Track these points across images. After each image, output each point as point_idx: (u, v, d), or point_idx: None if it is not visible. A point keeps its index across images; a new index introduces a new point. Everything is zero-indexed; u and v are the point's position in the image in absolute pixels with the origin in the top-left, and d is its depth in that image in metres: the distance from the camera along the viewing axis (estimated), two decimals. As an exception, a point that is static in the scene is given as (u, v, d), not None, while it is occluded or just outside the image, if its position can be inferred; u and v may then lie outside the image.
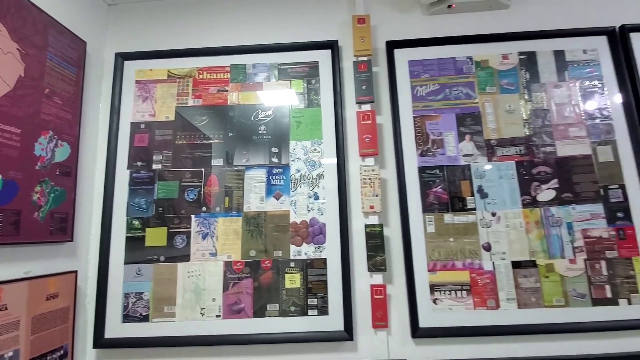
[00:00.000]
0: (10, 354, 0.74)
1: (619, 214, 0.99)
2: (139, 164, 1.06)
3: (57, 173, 0.89)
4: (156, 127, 1.08)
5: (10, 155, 0.76)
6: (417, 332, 0.94)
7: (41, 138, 0.84)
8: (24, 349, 0.76)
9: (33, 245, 0.83)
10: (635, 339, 0.94)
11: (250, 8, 1.17)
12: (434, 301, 0.96)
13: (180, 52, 1.12)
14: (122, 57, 1.12)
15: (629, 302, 0.95)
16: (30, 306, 0.78)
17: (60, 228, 0.89)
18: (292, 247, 1.00)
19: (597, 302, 0.95)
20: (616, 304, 0.95)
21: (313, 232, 1.00)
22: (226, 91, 1.10)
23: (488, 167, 1.03)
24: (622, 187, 1.01)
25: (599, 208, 1.00)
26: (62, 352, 0.87)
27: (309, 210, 1.01)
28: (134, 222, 1.02)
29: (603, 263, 0.97)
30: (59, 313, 0.87)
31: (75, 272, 0.93)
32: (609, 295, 0.95)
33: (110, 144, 1.05)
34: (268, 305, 0.97)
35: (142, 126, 1.08)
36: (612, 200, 1.00)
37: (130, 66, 1.12)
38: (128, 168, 1.05)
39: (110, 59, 1.12)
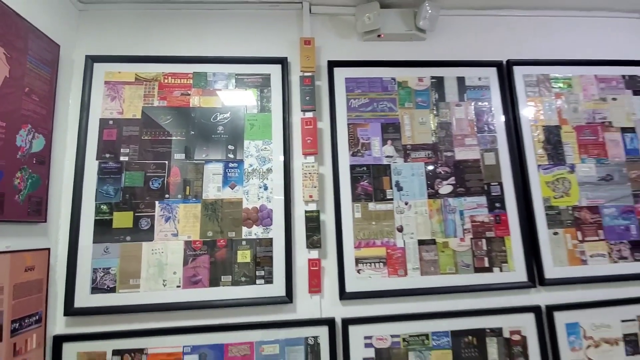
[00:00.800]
0: (-5, 314, 0.86)
1: (497, 204, 1.31)
2: (107, 155, 1.19)
3: (34, 162, 1.01)
4: (124, 124, 1.22)
5: (-5, 145, 0.88)
6: (344, 295, 1.18)
7: (21, 131, 0.97)
8: (6, 311, 0.89)
9: (13, 223, 0.95)
10: (505, 297, 1.25)
11: (214, 23, 1.35)
12: (358, 271, 1.21)
13: (147, 58, 1.27)
14: (92, 60, 1.24)
15: (501, 270, 1.27)
16: (12, 275, 0.91)
17: (36, 210, 1.02)
18: (244, 229, 1.20)
19: (478, 270, 1.26)
20: (491, 271, 1.26)
21: (262, 217, 1.21)
22: (189, 95, 1.27)
23: (404, 166, 1.30)
24: (500, 184, 1.33)
25: (483, 200, 1.31)
26: (37, 317, 1.00)
27: (259, 198, 1.22)
28: (102, 206, 1.16)
29: (484, 241, 1.28)
30: (35, 284, 1.00)
31: (48, 249, 1.06)
32: (486, 265, 1.27)
33: (80, 137, 1.18)
34: (222, 277, 1.16)
35: (111, 122, 1.22)
36: (493, 194, 1.32)
37: (99, 68, 1.25)
38: (97, 159, 1.19)
39: (80, 60, 1.24)
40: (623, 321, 1.28)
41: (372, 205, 1.26)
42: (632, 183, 1.38)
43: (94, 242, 1.13)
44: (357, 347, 1.16)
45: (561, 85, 1.43)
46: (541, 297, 1.27)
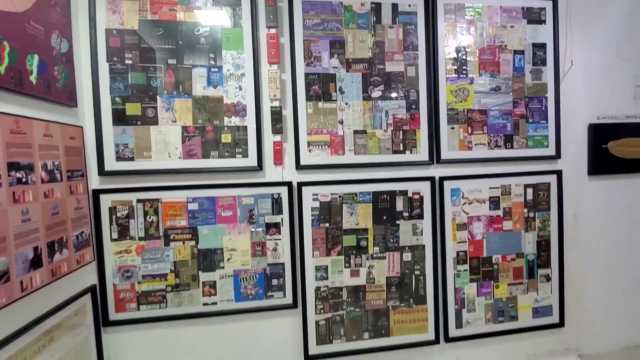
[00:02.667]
0: (57, 163, 1.29)
1: (413, 106, 1.79)
2: (115, 59, 1.54)
3: (64, 60, 1.36)
4: (125, 34, 1.54)
5: (40, 44, 1.23)
6: (299, 167, 1.69)
7: (53, 35, 1.30)
8: (63, 162, 1.32)
9: (58, 105, 1.33)
10: (412, 171, 1.80)
11: (190, -54, 1.60)
12: (309, 151, 1.70)
13: (138, -23, 1.55)
14: (92, -24, 1.51)
15: (411, 152, 1.79)
16: (63, 139, 1.33)
17: (70, 97, 1.40)
18: (226, 118, 1.63)
19: (395, 152, 1.78)
20: (404, 153, 1.79)
21: (239, 110, 1.63)
22: (175, 10, 1.58)
23: (346, 75, 1.72)
24: (417, 91, 1.79)
25: (403, 102, 1.78)
26: (81, 173, 1.44)
27: (235, 96, 1.63)
28: (116, 99, 1.54)
29: (401, 132, 1.78)
30: (77, 150, 1.42)
31: (82, 127, 1.46)
32: (401, 148, 1.79)
33: (92, 43, 1.50)
34: (211, 152, 1.62)
35: (114, 32, 1.54)
36: (411, 98, 1.79)
37: (99, -16, 1.52)
38: (107, 62, 1.53)
39: (82, -24, 1.50)
40: (491, 188, 1.88)
41: (321, 104, 1.71)
42: (514, 93, 1.88)
43: (113, 125, 1.54)
44: (307, 200, 1.70)
45: (472, 13, 1.83)
46: (437, 171, 1.83)
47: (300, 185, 1.69)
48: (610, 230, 2.05)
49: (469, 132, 1.84)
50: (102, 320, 1.55)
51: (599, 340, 2.06)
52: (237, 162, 1.63)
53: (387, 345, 1.79)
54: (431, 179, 1.81)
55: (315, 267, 1.73)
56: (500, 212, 1.88)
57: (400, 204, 1.79)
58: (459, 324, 1.87)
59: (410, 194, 1.79)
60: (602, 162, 2.00)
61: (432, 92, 1.79)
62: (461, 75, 1.82)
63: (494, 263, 1.89)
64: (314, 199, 1.71)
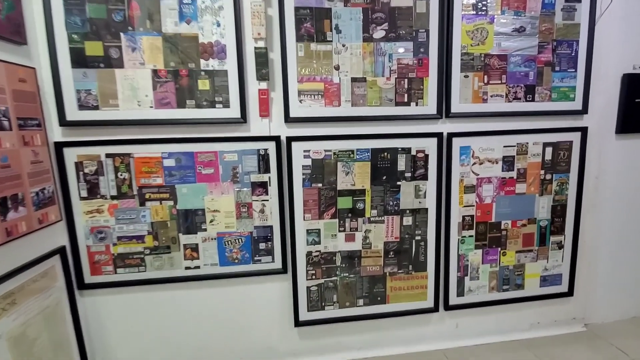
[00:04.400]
0: (3, 108, 1.11)
1: (421, 49, 1.54)
2: (68, -13, 1.30)
3: (1, -18, 1.13)
4: (78, -46, 1.29)
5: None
6: (288, 119, 1.49)
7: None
8: (11, 108, 1.14)
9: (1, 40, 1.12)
10: (417, 126, 1.59)
11: None
12: (300, 101, 1.49)
13: None
14: None
15: (417, 105, 1.57)
16: (9, 81, 1.13)
17: (17, 31, 1.18)
18: (202, 61, 1.40)
19: (398, 104, 1.56)
20: (409, 105, 1.57)
21: (217, 51, 1.40)
22: None
23: (343, 10, 1.46)
24: (427, 31, 1.53)
25: (410, 45, 1.53)
26: (37, 122, 1.26)
27: (213, 34, 1.39)
28: (73, 35, 1.32)
29: (406, 80, 1.55)
30: (29, 95, 1.23)
31: (34, 68, 1.26)
32: (405, 100, 1.56)
33: (38, -34, 1.26)
34: (187, 101, 1.42)
35: (65, -48, 1.28)
36: (419, 39, 1.53)
37: None
38: (59, -10, 1.29)
39: None
40: (505, 147, 1.67)
41: (313, 46, 1.47)
42: (540, 35, 1.60)
43: (72, 67, 1.33)
44: (297, 157, 1.52)
45: None
46: (446, 127, 1.62)
47: (290, 140, 1.50)
48: (633, 194, 1.86)
49: (485, 81, 1.60)
50: (77, 283, 1.45)
51: (607, 310, 1.95)
52: (218, 112, 1.43)
53: (383, 312, 1.69)
54: (438, 136, 1.60)
55: (307, 230, 1.59)
56: (514, 174, 1.69)
57: (402, 163, 1.60)
58: (460, 292, 1.75)
59: (414, 152, 1.60)
60: (633, 119, 1.76)
61: (445, 33, 1.53)
62: (480, 13, 1.55)
63: (503, 229, 1.73)
64: (305, 156, 1.53)
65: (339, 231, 1.61)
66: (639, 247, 1.92)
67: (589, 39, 1.63)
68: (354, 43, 1.49)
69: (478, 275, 1.75)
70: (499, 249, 1.75)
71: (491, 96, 1.61)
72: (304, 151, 1.52)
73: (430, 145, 1.60)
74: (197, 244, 1.53)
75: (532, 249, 1.77)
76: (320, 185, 1.56)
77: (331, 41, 1.47)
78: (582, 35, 1.62)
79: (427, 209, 1.65)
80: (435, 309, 1.73)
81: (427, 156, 1.61)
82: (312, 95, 1.49)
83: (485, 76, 1.59)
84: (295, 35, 1.45)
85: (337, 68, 1.49)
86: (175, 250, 1.53)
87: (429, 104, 1.57)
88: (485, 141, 1.65)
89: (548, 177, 1.72)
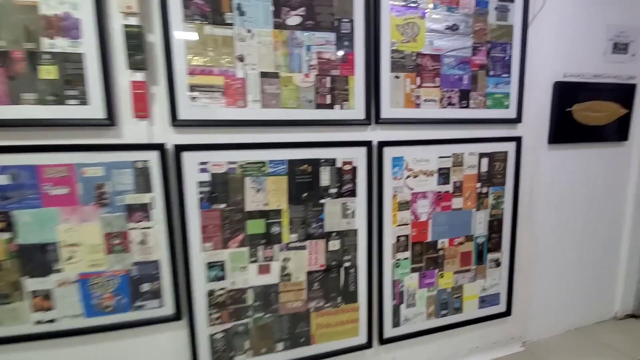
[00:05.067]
0: None
1: (346, 42, 1.30)
2: None
3: None
4: None
5: None
6: (176, 122, 1.14)
7: None
8: None
9: None
10: (342, 133, 1.34)
11: None
12: (192, 99, 1.16)
13: None
14: None
15: (341, 108, 1.32)
16: None
17: None
18: (46, 40, 1.01)
19: (320, 106, 1.30)
20: (332, 108, 1.31)
21: (67, 27, 1.02)
22: None
23: (248, -13, 1.17)
24: (352, 21, 1.29)
25: (332, 36, 1.28)
26: None
27: (61, 4, 1.01)
28: None
29: (328, 79, 1.29)
30: None
31: None
32: (328, 102, 1.31)
33: None
34: (24, 95, 1.01)
35: None
36: (343, 30, 1.29)
37: None
38: None
39: None
40: (440, 157, 1.49)
41: (209, 29, 1.15)
42: (474, 35, 1.45)
43: None
44: (191, 171, 1.18)
45: None
46: (375, 134, 1.39)
47: (179, 149, 1.16)
48: (566, 209, 1.80)
49: (418, 83, 1.40)
50: None
51: (542, 326, 1.88)
52: (71, 111, 1.05)
53: (308, 355, 1.41)
54: (368, 144, 1.37)
55: (207, 264, 1.25)
56: (449, 187, 1.52)
57: (326, 177, 1.34)
58: (396, 322, 1.53)
59: (339, 164, 1.35)
60: (564, 129, 1.70)
61: (373, 25, 1.31)
62: (410, 4, 1.35)
63: (439, 248, 1.55)
64: (202, 170, 1.20)
65: (250, 262, 1.29)
66: (571, 260, 1.88)
67: (522, 43, 1.52)
68: (262, 29, 1.20)
69: (415, 301, 1.55)
70: (436, 270, 1.56)
71: (424, 100, 1.42)
72: (201, 163, 1.19)
73: (358, 156, 1.36)
74: (49, 290, 1.12)
75: (470, 269, 1.62)
76: (223, 205, 1.24)
77: (232, 24, 1.17)
78: (516, 38, 1.51)
79: (356, 230, 1.41)
80: (368, 345, 1.49)
81: (355, 168, 1.37)
82: (209, 92, 1.17)
83: (418, 78, 1.40)
84: (183, 13, 1.12)
85: (242, 59, 1.19)
86: (18, 299, 1.10)
87: (356, 108, 1.34)
88: (420, 151, 1.45)
89: (484, 190, 1.58)
